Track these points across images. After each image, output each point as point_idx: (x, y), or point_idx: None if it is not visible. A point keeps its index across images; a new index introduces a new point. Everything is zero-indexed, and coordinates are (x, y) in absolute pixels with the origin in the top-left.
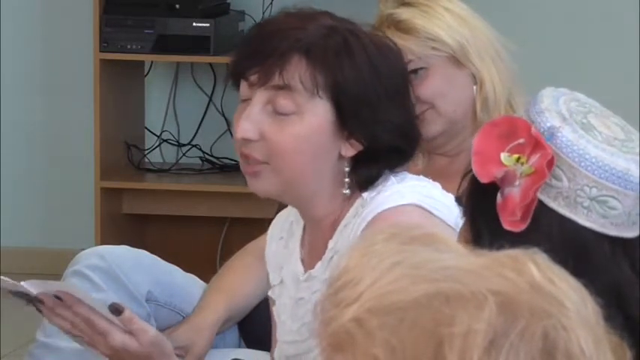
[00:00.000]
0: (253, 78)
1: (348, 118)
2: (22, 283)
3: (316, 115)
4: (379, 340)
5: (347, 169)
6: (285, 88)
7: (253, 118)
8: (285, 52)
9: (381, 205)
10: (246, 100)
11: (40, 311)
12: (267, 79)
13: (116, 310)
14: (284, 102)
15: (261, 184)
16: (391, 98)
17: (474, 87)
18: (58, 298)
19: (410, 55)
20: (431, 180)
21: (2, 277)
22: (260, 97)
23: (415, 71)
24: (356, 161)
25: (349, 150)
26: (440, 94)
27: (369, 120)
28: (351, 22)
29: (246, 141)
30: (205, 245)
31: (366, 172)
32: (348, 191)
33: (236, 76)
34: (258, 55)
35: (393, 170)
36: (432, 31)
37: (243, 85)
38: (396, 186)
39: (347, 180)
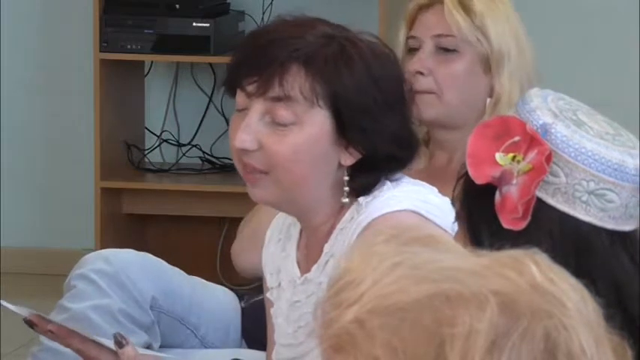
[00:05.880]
0: (251, 88)
1: (347, 127)
2: (11, 306)
3: (315, 124)
4: (380, 340)
5: (346, 177)
6: (284, 99)
7: (251, 129)
8: (283, 62)
9: (377, 211)
10: (243, 110)
11: (31, 327)
12: (266, 90)
13: (118, 342)
14: (283, 113)
15: (261, 193)
16: (390, 106)
17: (488, 99)
18: (50, 331)
19: (452, 30)
20: (428, 182)
21: None
22: (258, 107)
23: (447, 49)
24: (354, 169)
25: (348, 159)
26: (454, 83)
27: (368, 129)
28: (346, 29)
29: (245, 151)
30: (205, 245)
31: (364, 180)
32: (347, 200)
33: (232, 85)
34: (255, 64)
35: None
36: (486, 24)
37: (240, 94)
38: (392, 191)
39: (346, 189)
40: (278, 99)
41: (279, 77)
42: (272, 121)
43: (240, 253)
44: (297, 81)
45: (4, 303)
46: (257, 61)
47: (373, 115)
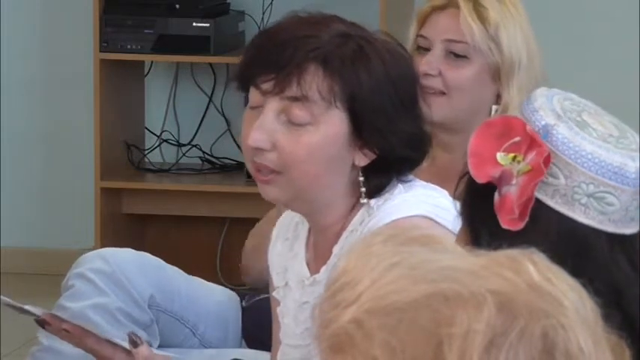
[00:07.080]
0: (267, 86)
1: (363, 127)
2: (27, 306)
3: (332, 125)
4: (378, 340)
5: (361, 178)
6: (301, 99)
7: (266, 128)
8: (301, 62)
9: (388, 216)
10: (256, 108)
11: (42, 327)
12: (283, 89)
13: (133, 341)
14: (300, 113)
15: (273, 192)
16: (405, 106)
17: (494, 107)
18: (65, 330)
19: (464, 37)
20: (430, 181)
21: (3, 297)
22: (273, 105)
23: (457, 54)
24: (367, 170)
25: (362, 159)
26: (460, 87)
27: (384, 129)
28: (361, 28)
29: (258, 150)
30: (205, 245)
31: (377, 181)
32: (365, 200)
33: (245, 81)
34: (272, 63)
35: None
36: (500, 34)
37: (254, 92)
38: (403, 194)
39: (363, 189)
40: (295, 99)
41: (297, 77)
42: (287, 120)
43: (250, 269)
44: (315, 81)
45: (16, 304)
46: (274, 60)
47: (389, 116)
